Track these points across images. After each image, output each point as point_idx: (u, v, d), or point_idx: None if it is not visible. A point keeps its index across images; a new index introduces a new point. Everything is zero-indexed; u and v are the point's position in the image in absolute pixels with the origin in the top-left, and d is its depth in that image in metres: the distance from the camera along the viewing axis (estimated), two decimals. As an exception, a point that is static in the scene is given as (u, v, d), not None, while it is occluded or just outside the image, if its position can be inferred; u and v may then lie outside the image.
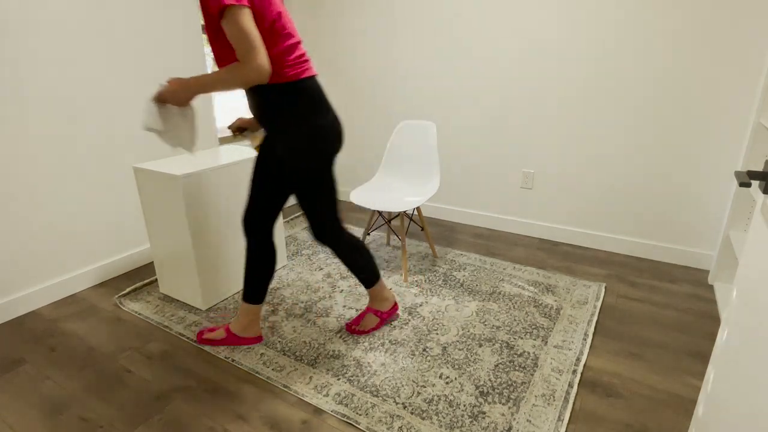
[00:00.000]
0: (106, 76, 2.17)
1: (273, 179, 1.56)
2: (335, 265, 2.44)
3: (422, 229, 2.97)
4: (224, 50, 1.39)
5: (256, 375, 1.63)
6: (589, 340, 1.79)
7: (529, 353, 1.73)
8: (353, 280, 2.27)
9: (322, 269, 2.40)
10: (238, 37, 1.26)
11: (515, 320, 1.94)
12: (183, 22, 2.44)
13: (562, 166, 2.64)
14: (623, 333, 1.86)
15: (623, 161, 2.45)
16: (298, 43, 1.45)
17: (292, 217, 3.23)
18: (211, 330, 1.81)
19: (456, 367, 1.65)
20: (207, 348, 1.78)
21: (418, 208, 2.37)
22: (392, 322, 1.92)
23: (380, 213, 2.50)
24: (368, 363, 1.68)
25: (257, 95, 1.45)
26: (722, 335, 1.01)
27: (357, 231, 2.93)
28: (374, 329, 1.86)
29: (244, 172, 2.10)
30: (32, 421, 1.45)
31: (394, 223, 3.06)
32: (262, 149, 1.56)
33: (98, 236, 2.27)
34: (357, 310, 2.02)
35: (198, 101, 2.61)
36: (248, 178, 2.13)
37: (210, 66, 2.72)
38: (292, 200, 3.52)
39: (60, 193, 2.09)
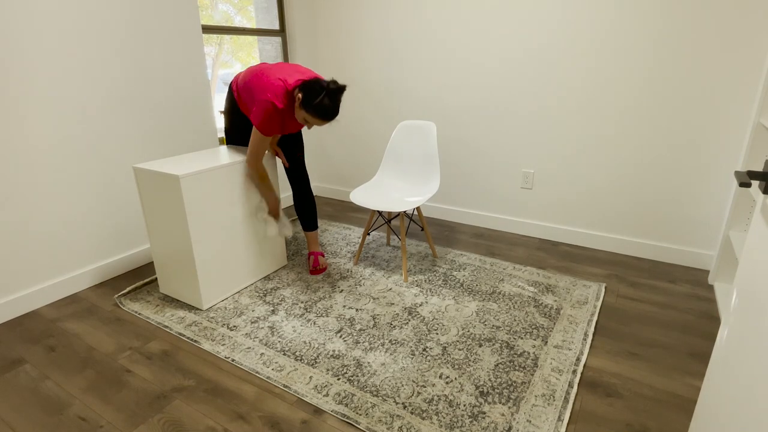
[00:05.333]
0: (106, 76, 2.17)
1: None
2: (335, 265, 2.44)
3: (422, 229, 2.97)
4: None
5: (256, 375, 1.63)
6: (589, 340, 1.79)
7: (529, 353, 1.73)
8: (353, 280, 2.27)
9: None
10: None
11: (515, 320, 1.94)
12: (183, 21, 2.44)
13: (562, 167, 2.64)
14: (623, 333, 1.86)
15: (623, 161, 2.45)
16: None
17: (292, 218, 3.23)
18: None
19: (456, 367, 1.65)
20: (207, 348, 1.78)
21: (418, 208, 2.37)
22: (392, 323, 1.92)
23: (380, 213, 2.50)
24: (368, 363, 1.68)
25: None
26: (722, 335, 1.01)
27: (357, 231, 2.93)
28: None
29: (244, 172, 2.10)
30: (32, 421, 1.45)
31: (394, 223, 3.06)
32: None
33: (98, 236, 2.27)
34: (357, 310, 2.02)
35: (197, 102, 2.61)
36: (247, 178, 2.13)
37: (210, 67, 2.72)
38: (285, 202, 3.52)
39: (60, 193, 2.09)
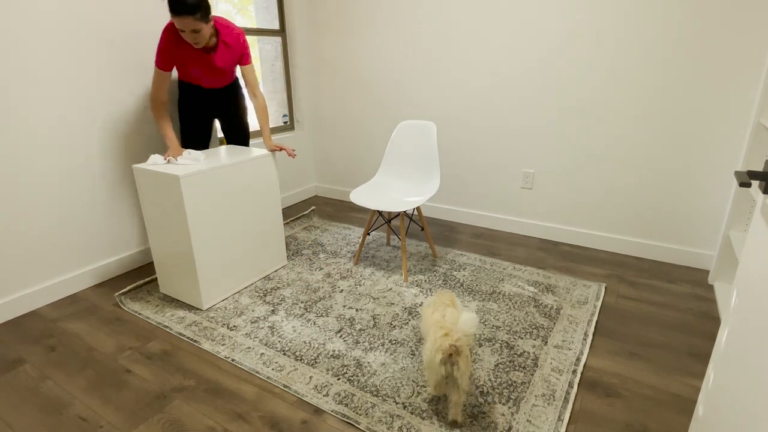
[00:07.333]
0: (105, 76, 2.17)
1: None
2: (335, 265, 2.44)
3: (422, 229, 2.97)
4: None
5: (256, 375, 1.63)
6: (589, 340, 1.79)
7: (529, 353, 1.73)
8: (353, 280, 2.27)
9: (322, 269, 2.40)
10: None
11: (515, 320, 1.94)
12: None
13: (562, 166, 2.64)
14: (623, 333, 1.86)
15: (623, 161, 2.45)
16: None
17: (293, 218, 3.23)
18: None
19: (456, 367, 1.65)
20: (207, 348, 1.78)
21: (418, 208, 2.37)
22: (392, 323, 1.92)
23: (380, 213, 2.50)
24: (368, 363, 1.68)
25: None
26: (722, 335, 1.01)
27: (357, 231, 2.93)
28: None
29: (244, 172, 2.10)
30: (32, 421, 1.45)
31: (394, 223, 3.06)
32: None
33: (98, 236, 2.27)
34: (357, 310, 2.02)
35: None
36: (248, 178, 2.13)
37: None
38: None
39: (60, 192, 2.09)
